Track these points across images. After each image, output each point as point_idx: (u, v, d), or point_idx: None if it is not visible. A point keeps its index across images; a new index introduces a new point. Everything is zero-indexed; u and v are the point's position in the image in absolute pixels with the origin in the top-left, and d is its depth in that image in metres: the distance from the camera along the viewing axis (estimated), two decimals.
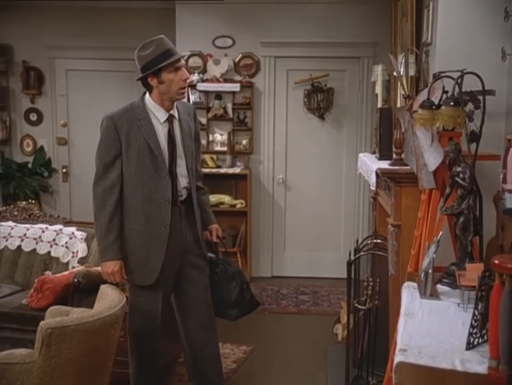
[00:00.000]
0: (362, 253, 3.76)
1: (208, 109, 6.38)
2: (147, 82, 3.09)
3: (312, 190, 6.48)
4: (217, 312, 3.36)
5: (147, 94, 3.15)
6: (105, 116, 3.13)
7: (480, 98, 2.45)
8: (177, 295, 3.33)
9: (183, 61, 3.11)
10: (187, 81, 3.11)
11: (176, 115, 3.17)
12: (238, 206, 6.27)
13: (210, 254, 3.36)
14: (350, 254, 3.74)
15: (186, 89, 3.13)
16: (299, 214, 6.49)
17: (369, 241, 3.92)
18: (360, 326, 3.84)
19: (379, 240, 3.73)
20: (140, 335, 3.24)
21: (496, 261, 1.55)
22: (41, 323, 2.45)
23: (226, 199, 6.25)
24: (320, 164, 6.45)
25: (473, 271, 2.13)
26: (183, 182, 3.18)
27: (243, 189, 6.35)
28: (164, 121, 3.12)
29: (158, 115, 3.11)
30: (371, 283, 3.54)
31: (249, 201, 6.33)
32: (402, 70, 3.30)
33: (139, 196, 3.09)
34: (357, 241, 4.00)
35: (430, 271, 2.27)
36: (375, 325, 3.56)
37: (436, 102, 2.49)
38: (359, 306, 3.63)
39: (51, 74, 7.22)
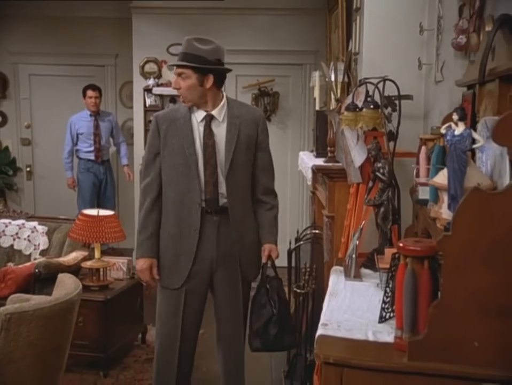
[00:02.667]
0: (301, 242, 3.86)
1: None
2: None
3: None
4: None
5: None
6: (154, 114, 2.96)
7: (397, 102, 2.57)
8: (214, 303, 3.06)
9: (178, 70, 2.82)
10: (174, 89, 2.84)
11: (221, 117, 2.81)
12: None
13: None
14: (290, 244, 3.84)
15: (181, 97, 2.81)
16: None
17: (308, 232, 4.02)
18: (301, 310, 3.94)
19: (317, 231, 3.83)
20: (161, 339, 2.96)
21: (401, 244, 1.63)
22: (1, 309, 2.46)
23: None
24: None
25: (389, 255, 2.23)
26: (222, 188, 2.81)
27: None
28: (201, 120, 2.80)
29: (197, 114, 2.81)
30: (309, 269, 3.64)
31: None
32: (332, 76, 3.42)
33: (171, 196, 2.83)
34: (298, 231, 4.10)
35: (354, 256, 2.36)
36: (313, 307, 3.66)
37: (359, 105, 2.59)
38: (298, 290, 3.72)
39: (14, 78, 7.11)
